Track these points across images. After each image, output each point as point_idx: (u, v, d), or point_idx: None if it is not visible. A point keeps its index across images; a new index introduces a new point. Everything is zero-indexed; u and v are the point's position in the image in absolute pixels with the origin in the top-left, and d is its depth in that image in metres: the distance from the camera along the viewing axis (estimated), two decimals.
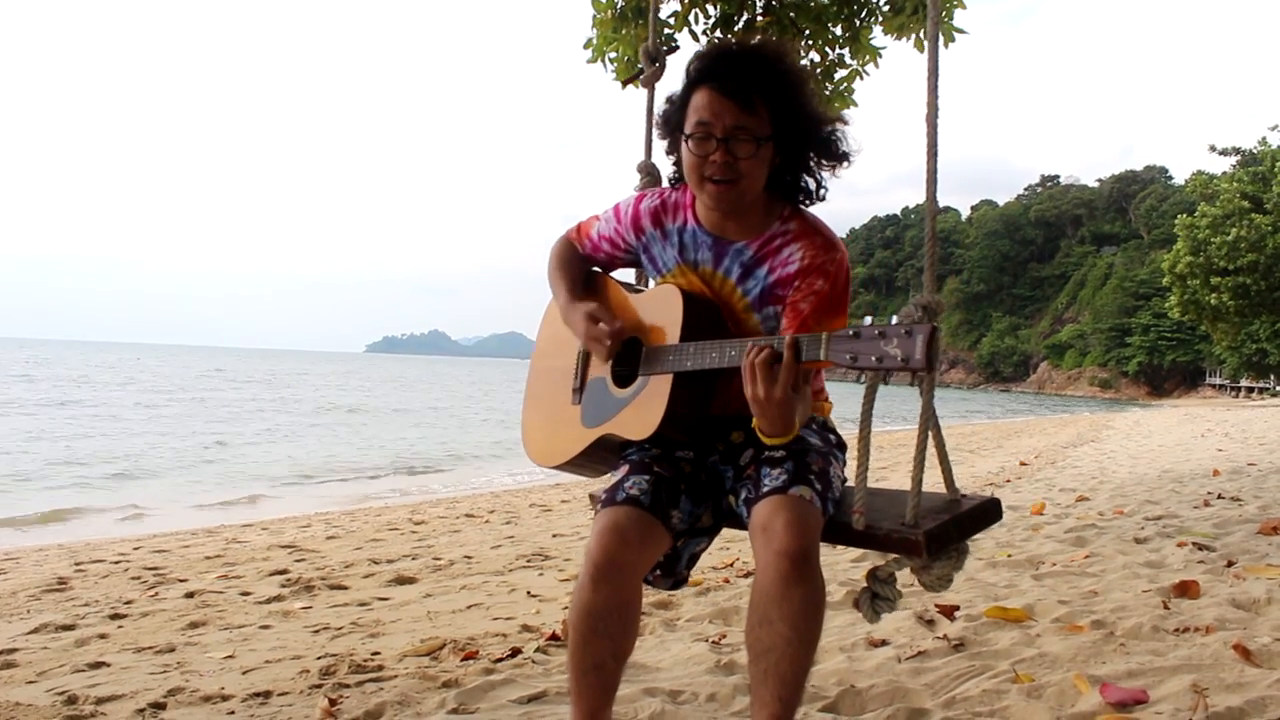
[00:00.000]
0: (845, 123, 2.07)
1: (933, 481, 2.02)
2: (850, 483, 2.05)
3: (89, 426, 22.09)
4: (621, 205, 2.24)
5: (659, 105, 2.13)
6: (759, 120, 1.94)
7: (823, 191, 2.10)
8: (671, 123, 2.06)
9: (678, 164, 2.15)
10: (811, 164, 2.07)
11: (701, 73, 1.98)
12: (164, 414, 27.24)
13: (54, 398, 31.75)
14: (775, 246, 2.04)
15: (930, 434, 1.99)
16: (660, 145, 2.20)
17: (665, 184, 2.35)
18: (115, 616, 4.35)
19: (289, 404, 35.76)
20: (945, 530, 1.92)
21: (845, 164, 2.08)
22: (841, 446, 2.15)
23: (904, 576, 2.12)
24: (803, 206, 2.10)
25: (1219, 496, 6.13)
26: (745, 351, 1.82)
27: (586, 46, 5.22)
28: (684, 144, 1.99)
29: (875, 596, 2.05)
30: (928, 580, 1.98)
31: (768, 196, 2.08)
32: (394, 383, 68.26)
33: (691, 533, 2.06)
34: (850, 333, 1.66)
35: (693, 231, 2.11)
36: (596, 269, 2.34)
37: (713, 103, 1.93)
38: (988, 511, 2.04)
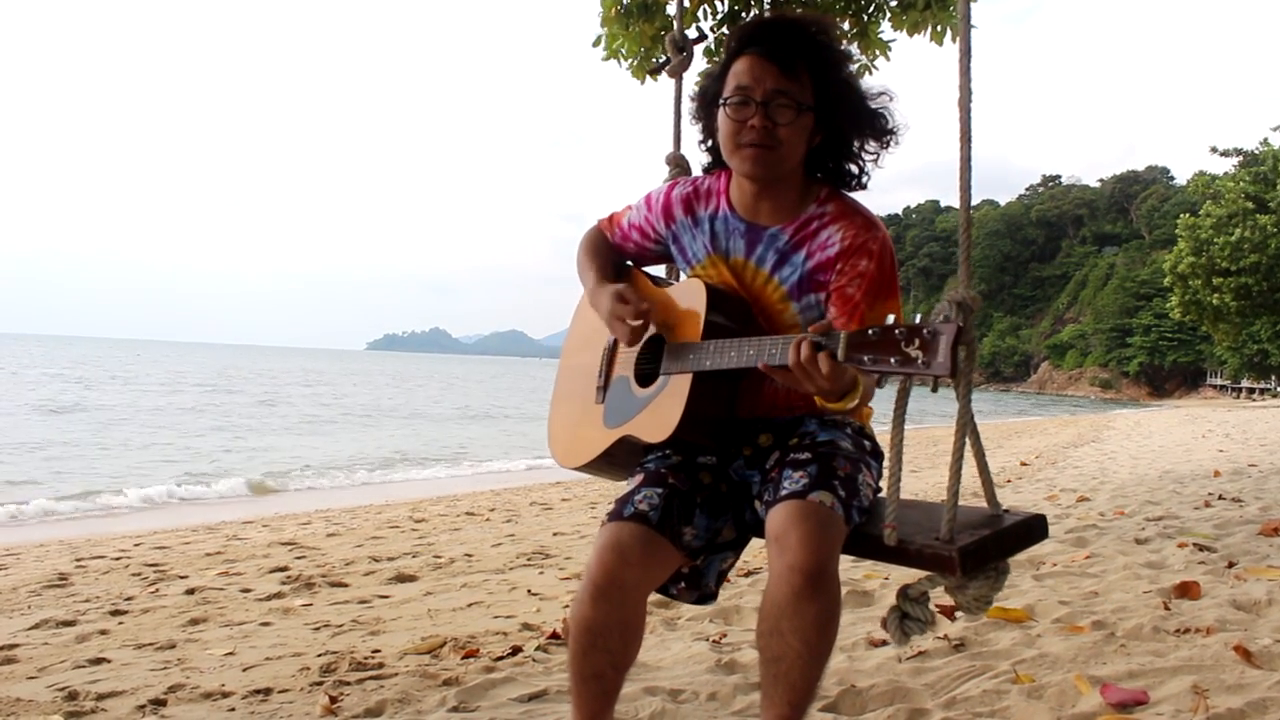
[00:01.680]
0: (891, 97, 1.97)
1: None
2: (882, 493, 1.93)
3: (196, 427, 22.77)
4: (653, 194, 2.16)
5: (695, 85, 2.06)
6: (800, 87, 1.87)
7: (865, 178, 2.02)
8: (709, 95, 1.98)
9: (712, 149, 2.08)
10: (855, 147, 1.99)
11: (744, 41, 1.91)
12: (236, 416, 27.42)
13: (146, 403, 30.92)
14: (812, 230, 1.95)
15: (968, 441, 1.87)
16: (692, 135, 2.12)
17: (693, 174, 2.30)
18: (116, 613, 4.35)
19: (356, 405, 35.72)
20: (983, 547, 1.79)
21: (892, 141, 1.99)
22: (877, 455, 2.04)
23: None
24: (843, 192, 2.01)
25: (1220, 497, 6.13)
26: (769, 350, 1.72)
27: (596, 44, 5.22)
28: (724, 112, 1.91)
29: (905, 617, 1.92)
30: (963, 601, 1.86)
31: (804, 180, 2.00)
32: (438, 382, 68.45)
33: (712, 549, 1.97)
34: (870, 333, 1.53)
35: (725, 218, 2.03)
36: (626, 263, 2.26)
37: (754, 67, 1.86)
38: (1031, 529, 1.91)
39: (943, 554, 1.76)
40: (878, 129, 1.97)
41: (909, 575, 2.04)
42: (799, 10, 5.29)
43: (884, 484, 1.93)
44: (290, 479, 13.54)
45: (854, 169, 2.02)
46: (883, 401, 1.91)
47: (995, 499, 1.97)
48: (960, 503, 1.85)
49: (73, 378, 46.22)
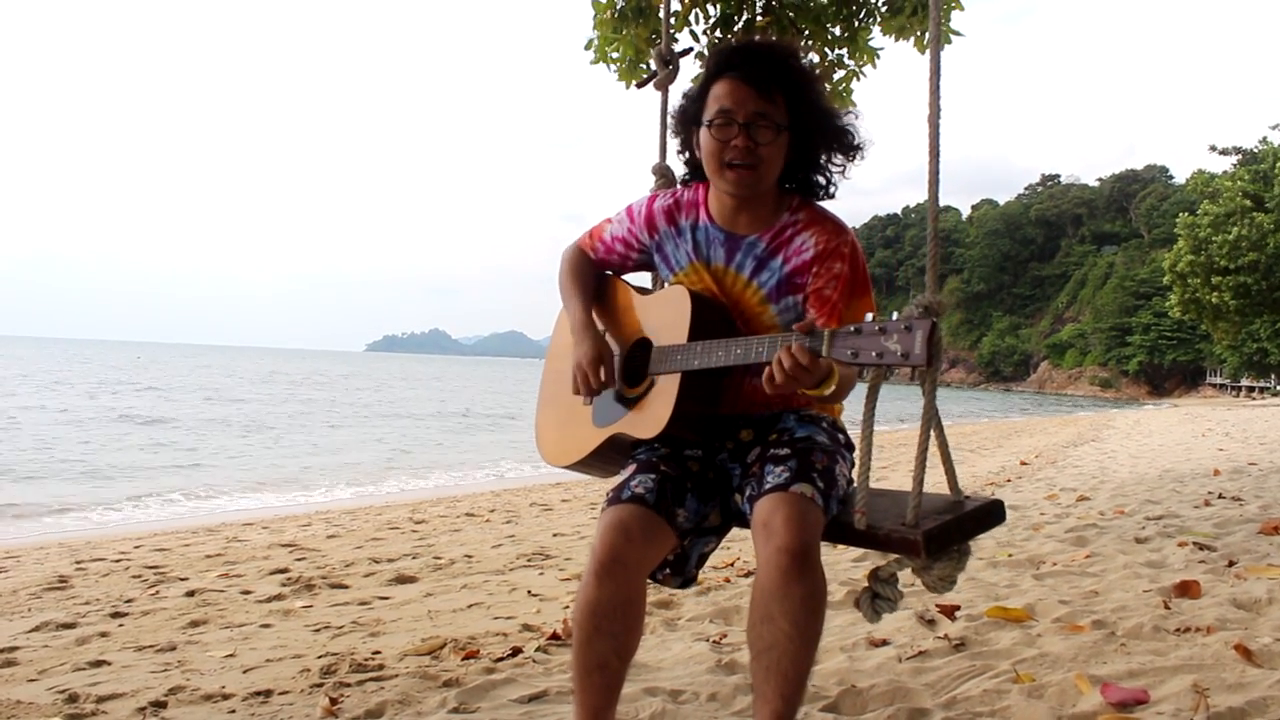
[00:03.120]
0: (856, 118, 2.12)
1: (933, 482, 2.02)
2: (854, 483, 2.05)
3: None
4: (635, 206, 2.27)
5: (675, 103, 2.18)
6: (777, 108, 2.00)
7: (833, 189, 2.15)
8: (689, 116, 2.10)
9: (689, 162, 2.19)
10: (824, 160, 2.11)
11: (722, 65, 2.03)
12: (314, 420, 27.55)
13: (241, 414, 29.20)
14: (787, 237, 2.08)
15: (933, 434, 1.99)
16: (672, 146, 2.24)
17: (679, 186, 2.37)
18: (116, 615, 4.35)
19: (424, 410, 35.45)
20: (945, 531, 1.92)
21: (858, 156, 2.12)
22: (850, 447, 2.16)
23: (906, 577, 2.12)
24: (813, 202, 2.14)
25: (1220, 496, 6.13)
26: (756, 350, 1.84)
27: (588, 48, 5.23)
28: (705, 131, 2.03)
29: (876, 596, 2.05)
30: (929, 581, 1.98)
31: (778, 191, 2.12)
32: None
33: (699, 532, 2.08)
34: (852, 329, 1.66)
35: (705, 228, 2.15)
36: (608, 272, 2.36)
37: (735, 90, 1.99)
38: (990, 513, 2.03)
39: (909, 537, 1.90)
40: (844, 144, 2.11)
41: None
42: (789, 14, 5.30)
43: (855, 474, 2.06)
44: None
45: (822, 180, 2.15)
46: (854, 400, 2.03)
47: (957, 486, 2.08)
48: (926, 490, 1.98)
49: (113, 382, 45.38)
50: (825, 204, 2.16)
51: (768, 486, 1.90)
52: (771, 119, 1.99)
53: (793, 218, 2.09)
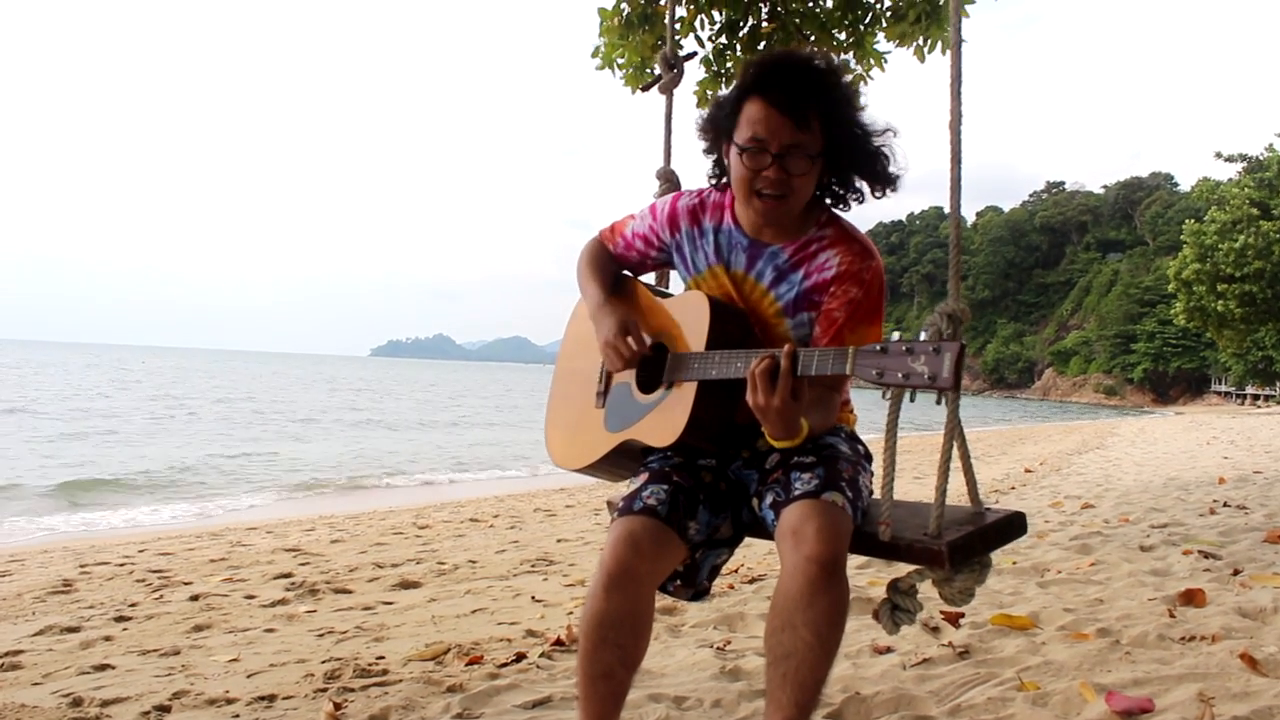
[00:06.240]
0: (895, 134, 2.01)
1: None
2: (875, 494, 2.04)
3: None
4: (658, 203, 2.24)
5: (707, 108, 2.10)
6: (813, 137, 1.92)
7: (861, 196, 2.07)
8: (720, 128, 2.03)
9: (717, 163, 2.12)
10: (855, 184, 2.05)
11: (758, 82, 1.93)
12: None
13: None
14: (811, 252, 2.03)
15: (955, 445, 1.97)
16: (695, 147, 2.17)
17: (684, 188, 2.34)
18: (120, 619, 4.35)
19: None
20: (969, 542, 1.90)
21: (892, 186, 2.04)
22: (868, 457, 2.13)
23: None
24: (840, 211, 2.09)
25: (1225, 504, 6.12)
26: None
27: (595, 55, 5.25)
28: (737, 156, 1.96)
29: (895, 608, 2.03)
30: (949, 593, 1.97)
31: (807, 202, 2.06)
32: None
33: (710, 544, 2.05)
34: (877, 348, 1.64)
35: (729, 232, 2.11)
36: (626, 273, 2.33)
37: (769, 118, 1.90)
38: (1012, 525, 2.02)
39: (932, 549, 1.88)
40: (878, 174, 2.02)
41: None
42: (795, 20, 5.31)
43: (878, 485, 2.04)
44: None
45: (851, 193, 2.07)
46: (873, 408, 2.02)
47: (979, 498, 2.08)
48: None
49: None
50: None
51: (797, 493, 1.87)
52: (806, 149, 1.92)
53: (820, 232, 2.04)
